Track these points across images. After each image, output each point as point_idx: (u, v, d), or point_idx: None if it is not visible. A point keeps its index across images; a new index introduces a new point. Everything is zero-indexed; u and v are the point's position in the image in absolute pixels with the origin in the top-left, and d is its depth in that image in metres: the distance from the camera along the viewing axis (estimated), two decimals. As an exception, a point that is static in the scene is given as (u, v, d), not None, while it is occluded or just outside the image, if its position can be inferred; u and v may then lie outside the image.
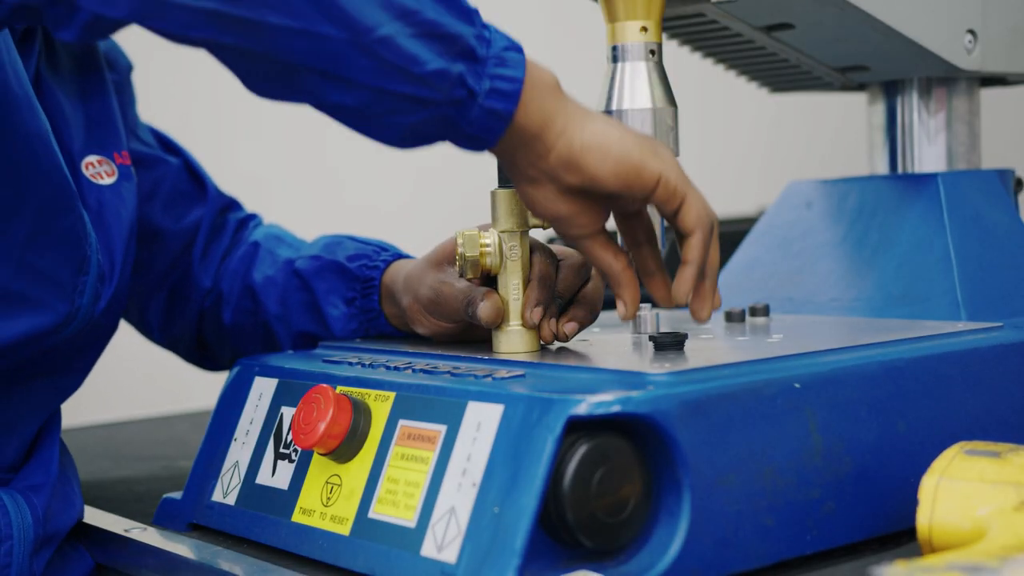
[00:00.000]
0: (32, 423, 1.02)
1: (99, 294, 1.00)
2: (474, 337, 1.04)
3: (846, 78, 1.21)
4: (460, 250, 0.96)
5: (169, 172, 1.22)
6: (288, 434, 0.96)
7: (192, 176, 1.24)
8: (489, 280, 0.99)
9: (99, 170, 1.07)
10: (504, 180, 0.97)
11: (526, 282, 0.97)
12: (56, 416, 1.06)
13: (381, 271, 1.11)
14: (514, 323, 0.97)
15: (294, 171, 2.27)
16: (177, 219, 1.22)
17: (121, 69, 1.19)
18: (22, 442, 1.01)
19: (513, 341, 0.97)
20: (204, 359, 1.27)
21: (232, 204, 1.27)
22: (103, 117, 1.11)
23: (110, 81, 1.13)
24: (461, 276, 0.98)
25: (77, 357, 1.05)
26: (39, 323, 0.96)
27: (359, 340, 1.11)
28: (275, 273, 1.17)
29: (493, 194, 0.97)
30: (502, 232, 0.97)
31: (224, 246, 1.23)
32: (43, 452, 1.03)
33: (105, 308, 1.02)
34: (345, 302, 1.12)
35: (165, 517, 1.04)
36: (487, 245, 0.97)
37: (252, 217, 1.28)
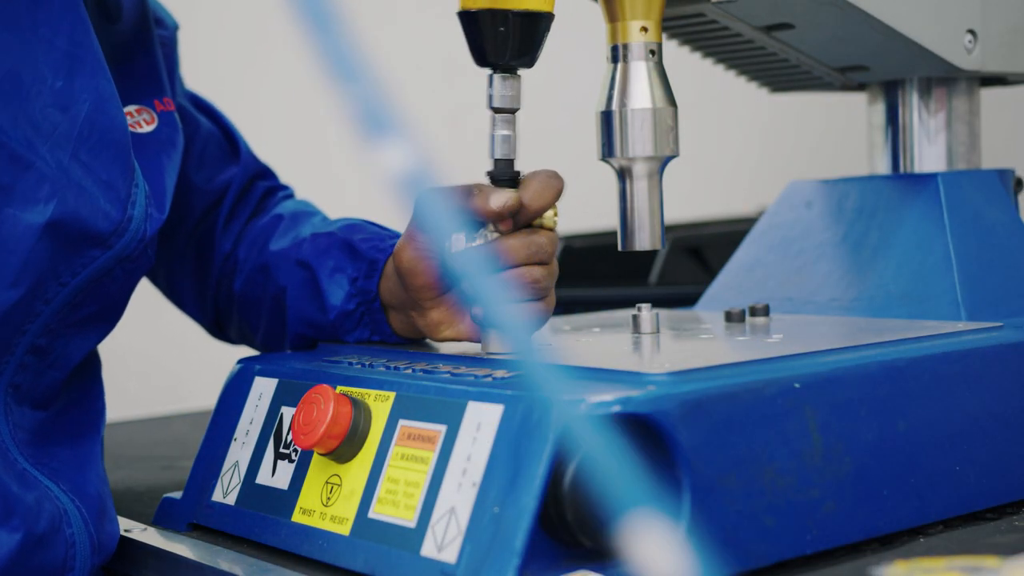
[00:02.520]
0: (71, 360, 1.01)
1: (150, 214, 0.99)
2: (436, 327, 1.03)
3: (846, 78, 1.21)
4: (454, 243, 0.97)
5: (200, 130, 1.21)
6: (288, 434, 0.96)
7: (227, 139, 1.23)
8: None
9: (137, 119, 1.06)
10: (495, 181, 0.97)
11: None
12: (100, 422, 1.05)
13: (388, 254, 1.08)
14: None
15: (294, 170, 2.27)
16: (208, 179, 1.21)
17: (168, 27, 1.19)
18: (54, 381, 1.00)
19: (500, 341, 0.97)
20: (217, 327, 1.26)
21: (265, 172, 1.26)
22: (146, 66, 1.10)
23: (156, 34, 1.13)
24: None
25: (118, 294, 1.03)
26: (94, 223, 0.94)
27: (359, 341, 1.11)
28: (289, 248, 1.14)
29: None
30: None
31: (248, 212, 1.22)
32: (88, 449, 1.01)
33: (150, 239, 1.01)
34: (349, 282, 1.09)
35: (165, 517, 1.04)
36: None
37: (283, 188, 1.26)
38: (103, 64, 0.97)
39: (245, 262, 1.18)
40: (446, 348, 1.03)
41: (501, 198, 0.95)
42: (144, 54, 1.11)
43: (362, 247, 1.09)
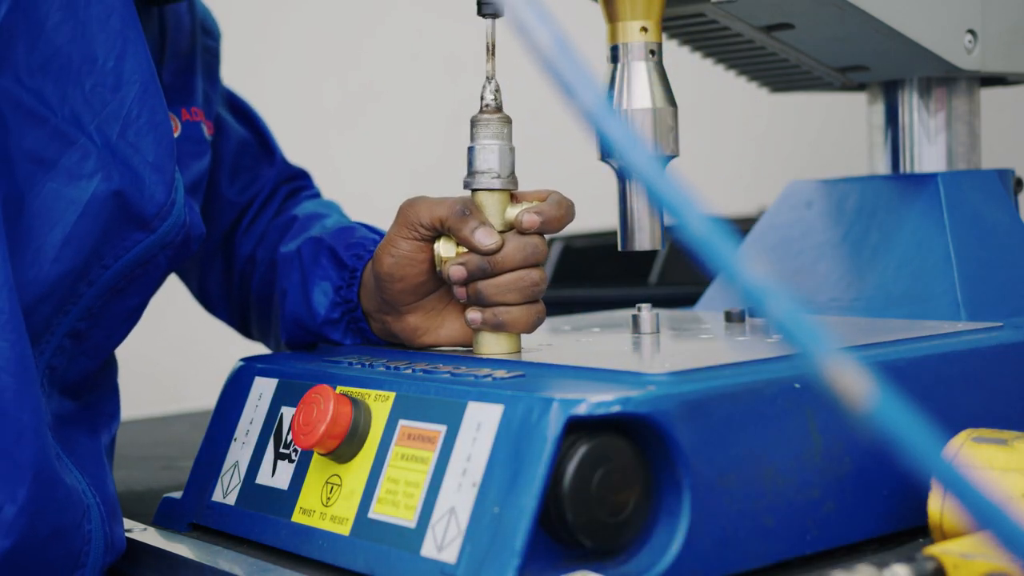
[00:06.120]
0: (105, 349, 1.01)
1: (188, 202, 0.99)
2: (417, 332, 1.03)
3: (846, 78, 1.21)
4: (438, 252, 0.97)
5: (233, 140, 1.22)
6: (288, 434, 0.96)
7: (262, 145, 1.24)
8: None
9: None
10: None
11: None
12: (114, 425, 1.05)
13: (365, 261, 1.08)
14: None
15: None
16: (241, 190, 1.22)
17: (215, 36, 1.20)
18: (85, 370, 1.00)
19: (491, 342, 0.97)
20: (244, 327, 1.26)
21: (295, 174, 1.26)
22: (179, 72, 1.10)
23: (200, 42, 1.14)
24: (443, 278, 0.99)
25: (156, 285, 1.03)
26: (138, 203, 0.94)
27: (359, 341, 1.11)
28: (295, 249, 1.15)
29: (473, 195, 0.98)
30: None
31: (270, 215, 1.22)
32: (103, 448, 1.01)
33: (196, 234, 1.01)
34: (334, 290, 1.09)
35: (165, 517, 1.04)
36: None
37: (307, 188, 1.27)
38: (147, 47, 0.97)
39: (261, 262, 1.19)
40: (446, 348, 1.03)
41: (489, 240, 0.96)
42: (181, 59, 1.11)
43: (344, 255, 1.09)
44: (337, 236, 1.11)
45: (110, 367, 1.05)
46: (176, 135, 1.07)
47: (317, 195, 1.27)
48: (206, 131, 1.12)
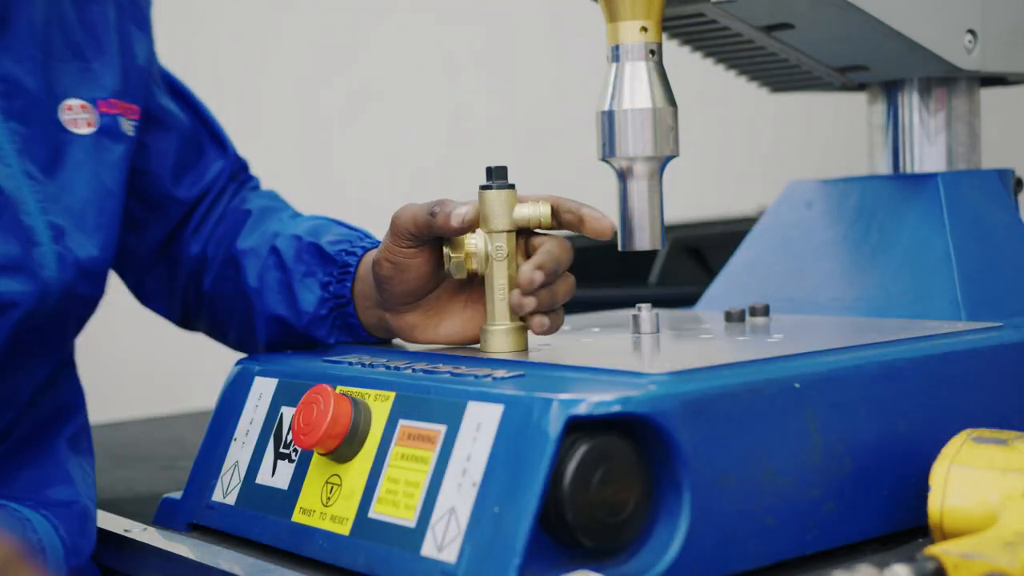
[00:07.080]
0: (20, 397, 0.99)
1: (66, 258, 0.96)
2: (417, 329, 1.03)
3: (846, 78, 1.21)
4: (446, 251, 0.97)
5: (176, 133, 1.16)
6: (288, 434, 0.96)
7: (211, 138, 1.19)
8: (476, 281, 1.00)
9: (77, 116, 1.01)
10: (490, 181, 0.98)
11: (512, 281, 0.96)
12: (85, 430, 1.04)
13: (359, 258, 1.07)
14: (500, 323, 0.97)
15: (293, 169, 2.27)
16: (190, 186, 1.17)
17: (141, 3, 1.12)
18: (4, 419, 0.98)
19: (499, 341, 0.97)
20: (185, 322, 1.23)
21: (243, 167, 1.22)
22: (101, 59, 1.05)
23: (112, 20, 1.07)
24: (448, 276, 0.98)
25: (62, 331, 1.00)
26: (11, 309, 0.92)
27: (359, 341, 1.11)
28: (258, 245, 1.12)
29: (480, 194, 0.97)
30: (488, 232, 0.97)
31: (219, 212, 1.18)
32: (68, 467, 1.00)
33: (84, 274, 0.98)
34: (321, 286, 1.07)
35: (165, 517, 1.04)
36: (473, 245, 0.97)
37: (250, 179, 1.23)
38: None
39: (214, 260, 1.16)
40: (446, 348, 1.03)
41: (459, 214, 0.94)
42: (102, 44, 1.05)
43: (332, 250, 1.07)
44: (316, 232, 1.09)
45: (56, 383, 1.02)
46: (92, 130, 1.02)
47: (258, 185, 1.23)
48: (125, 122, 1.06)
